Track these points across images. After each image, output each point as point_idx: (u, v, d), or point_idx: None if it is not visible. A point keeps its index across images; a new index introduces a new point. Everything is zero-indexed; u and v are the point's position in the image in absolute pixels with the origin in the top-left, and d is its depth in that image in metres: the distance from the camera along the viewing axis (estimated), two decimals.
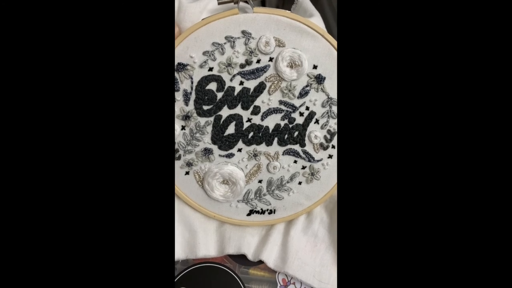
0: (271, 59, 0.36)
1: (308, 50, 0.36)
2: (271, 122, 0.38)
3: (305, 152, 0.39)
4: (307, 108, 0.37)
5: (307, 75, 0.37)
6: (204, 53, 0.35)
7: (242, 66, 0.36)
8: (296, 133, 0.38)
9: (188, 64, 0.36)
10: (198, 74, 0.36)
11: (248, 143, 0.38)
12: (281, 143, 0.38)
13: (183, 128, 0.38)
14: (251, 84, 0.37)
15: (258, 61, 0.36)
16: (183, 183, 0.39)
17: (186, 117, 0.37)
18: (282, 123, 0.38)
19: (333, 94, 0.37)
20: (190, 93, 0.36)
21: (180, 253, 0.40)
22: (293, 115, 0.38)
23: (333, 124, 0.38)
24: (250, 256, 0.40)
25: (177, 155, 0.38)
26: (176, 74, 0.36)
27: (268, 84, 0.37)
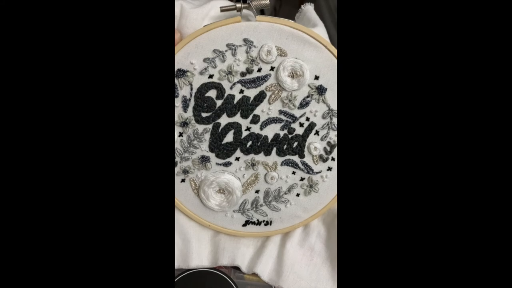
0: (272, 68, 0.36)
1: (310, 61, 0.36)
2: (270, 131, 0.37)
3: (304, 164, 0.38)
4: (307, 119, 0.37)
5: (308, 85, 0.36)
6: (205, 60, 0.35)
7: (242, 74, 0.36)
8: (296, 143, 0.37)
9: (188, 71, 0.35)
10: (198, 81, 0.36)
11: (246, 152, 0.38)
12: (280, 153, 0.38)
13: (180, 134, 0.37)
14: (251, 93, 0.36)
15: (259, 70, 0.36)
16: (178, 190, 0.38)
17: (184, 124, 0.37)
18: (282, 133, 0.37)
19: (334, 105, 0.37)
20: (189, 99, 0.36)
21: None
22: (293, 125, 0.37)
23: (333, 136, 0.37)
24: (244, 269, 0.39)
25: None
26: (175, 80, 0.35)
27: (268, 93, 0.36)
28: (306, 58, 0.35)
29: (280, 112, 0.37)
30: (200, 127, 0.37)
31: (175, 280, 0.38)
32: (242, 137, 0.37)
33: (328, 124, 0.37)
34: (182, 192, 0.39)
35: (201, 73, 0.35)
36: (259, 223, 0.40)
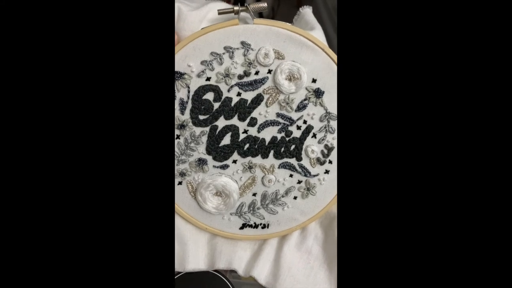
0: (269, 71, 0.36)
1: (308, 64, 0.35)
2: (267, 134, 0.37)
3: (301, 166, 0.38)
4: (305, 122, 0.37)
5: (306, 88, 0.36)
6: (202, 63, 0.35)
7: (240, 77, 0.36)
8: (293, 146, 0.37)
9: (185, 73, 0.35)
10: (195, 83, 0.36)
11: (243, 154, 0.38)
12: (277, 156, 0.38)
13: (178, 137, 0.37)
14: (249, 96, 0.36)
15: (257, 73, 0.36)
16: (175, 193, 0.38)
17: (181, 126, 0.37)
18: (279, 136, 0.37)
19: (332, 108, 0.37)
20: (187, 102, 0.36)
21: None
22: (290, 128, 0.37)
23: (330, 139, 0.37)
24: (240, 272, 0.39)
25: None
26: None
27: (266, 96, 0.36)
28: (303, 61, 0.35)
29: (278, 115, 0.37)
30: (197, 130, 0.37)
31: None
32: (240, 139, 0.37)
33: (325, 127, 0.37)
34: (179, 195, 0.38)
35: (198, 75, 0.35)
36: (256, 226, 0.39)
